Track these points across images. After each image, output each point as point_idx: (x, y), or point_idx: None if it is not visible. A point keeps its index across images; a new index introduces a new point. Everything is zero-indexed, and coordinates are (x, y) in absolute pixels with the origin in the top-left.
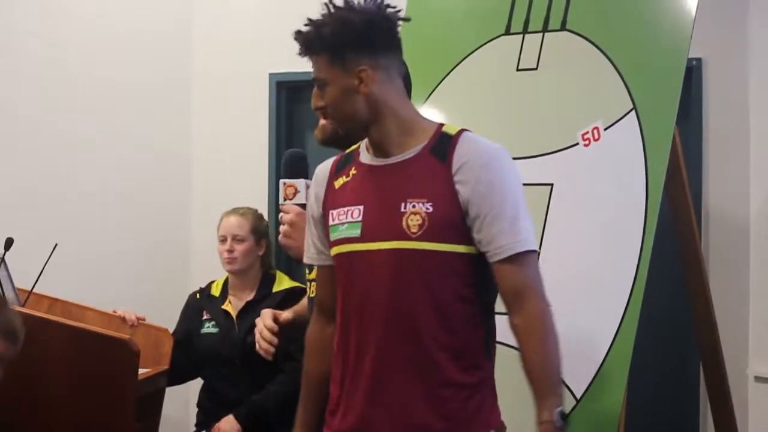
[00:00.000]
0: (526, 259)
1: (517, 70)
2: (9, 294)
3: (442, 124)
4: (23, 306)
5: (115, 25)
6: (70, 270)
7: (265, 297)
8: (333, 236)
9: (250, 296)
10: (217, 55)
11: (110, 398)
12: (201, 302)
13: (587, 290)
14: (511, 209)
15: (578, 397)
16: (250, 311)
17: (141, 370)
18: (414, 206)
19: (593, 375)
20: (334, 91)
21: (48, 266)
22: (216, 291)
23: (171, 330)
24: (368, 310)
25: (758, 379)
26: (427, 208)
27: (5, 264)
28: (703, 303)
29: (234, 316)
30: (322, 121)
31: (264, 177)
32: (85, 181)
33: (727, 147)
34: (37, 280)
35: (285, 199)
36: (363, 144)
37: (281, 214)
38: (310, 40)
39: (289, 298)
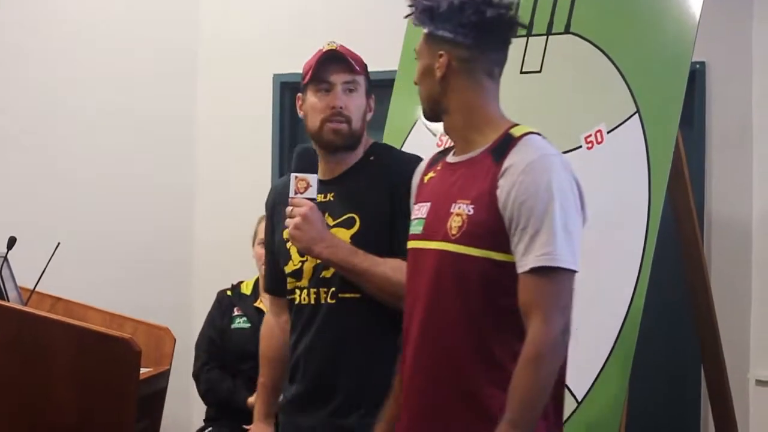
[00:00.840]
0: (544, 276)
1: (521, 72)
2: (12, 293)
3: (514, 125)
4: (26, 305)
5: (120, 24)
6: (73, 269)
7: None
8: (410, 231)
9: None
10: (222, 55)
11: (112, 397)
12: (232, 299)
13: (589, 293)
14: (540, 221)
15: (579, 399)
16: None
17: (142, 370)
18: (459, 207)
19: (594, 378)
20: (419, 66)
21: (50, 265)
22: (247, 290)
23: (173, 329)
24: (414, 308)
25: (759, 382)
26: (469, 211)
27: (8, 263)
28: (705, 306)
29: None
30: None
31: (268, 177)
32: (87, 181)
33: (730, 151)
34: (39, 279)
35: (296, 193)
36: None
37: (290, 207)
38: (418, 8)
39: None
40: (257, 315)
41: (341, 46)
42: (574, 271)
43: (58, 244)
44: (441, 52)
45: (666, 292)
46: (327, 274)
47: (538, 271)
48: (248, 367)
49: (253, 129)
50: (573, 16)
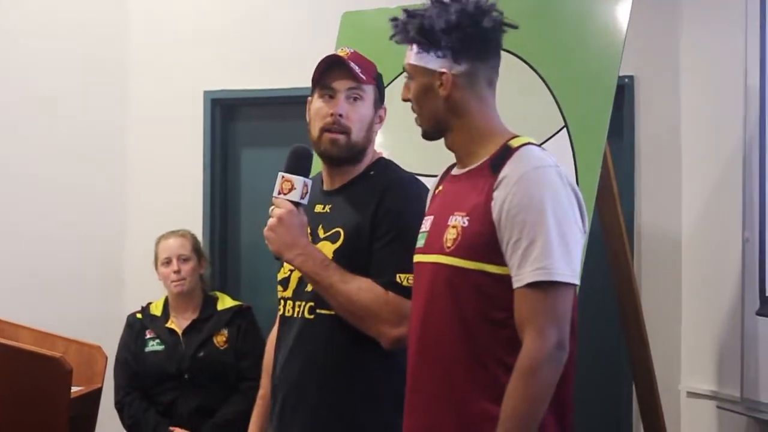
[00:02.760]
0: (541, 290)
1: None
2: None
3: (514, 136)
4: None
5: (47, 38)
6: (3, 288)
7: (210, 316)
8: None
9: (194, 315)
10: (153, 72)
11: (43, 416)
12: (143, 321)
13: None
14: (533, 233)
15: None
16: (195, 329)
17: (74, 388)
18: (455, 219)
19: None
20: (416, 88)
21: None
22: (157, 311)
23: (104, 348)
24: (414, 321)
25: (690, 394)
26: (464, 223)
27: None
28: (634, 319)
29: (180, 334)
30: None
31: (199, 195)
32: (17, 196)
33: (660, 163)
34: None
35: (279, 193)
36: None
37: (271, 207)
38: (403, 27)
39: (238, 315)
40: (170, 336)
41: (353, 52)
42: (572, 284)
43: None
44: (443, 70)
45: (595, 306)
46: (309, 287)
47: (533, 286)
48: (164, 387)
49: (184, 145)
50: None
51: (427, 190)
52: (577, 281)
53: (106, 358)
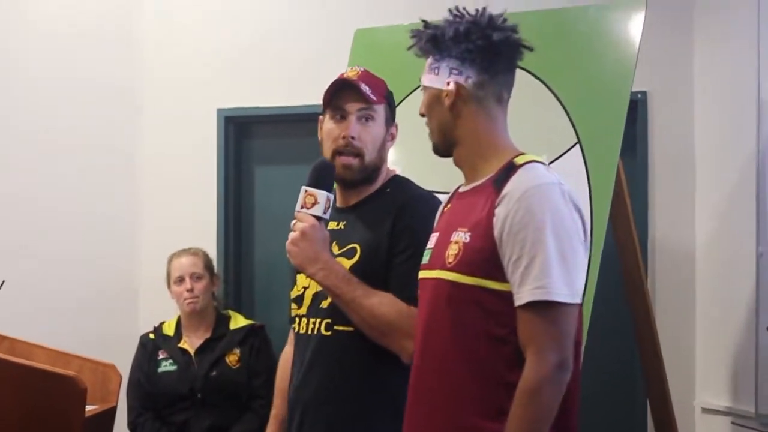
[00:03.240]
0: (540, 310)
1: None
2: None
3: (519, 153)
4: None
5: (60, 61)
6: (17, 307)
7: (223, 335)
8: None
9: (206, 335)
10: (166, 90)
11: None
12: (156, 342)
13: None
14: (533, 251)
15: None
16: (208, 349)
17: (88, 407)
18: (458, 236)
19: None
20: (427, 99)
21: None
22: (169, 331)
23: (118, 366)
24: (417, 336)
25: (705, 410)
26: (466, 239)
27: None
28: (649, 335)
29: (192, 354)
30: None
31: (213, 213)
32: (32, 218)
33: (673, 179)
34: None
35: (302, 207)
36: None
37: (294, 221)
38: (423, 39)
39: (250, 334)
40: (182, 356)
41: (363, 71)
42: (573, 304)
43: (3, 281)
44: (449, 80)
45: (610, 321)
46: (325, 304)
47: (532, 306)
48: (176, 407)
49: (197, 163)
50: None
51: (439, 204)
52: (578, 300)
53: (121, 377)
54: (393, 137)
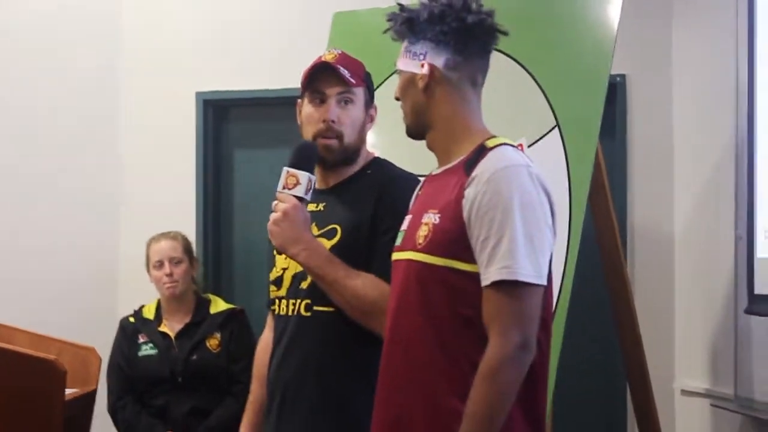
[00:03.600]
0: (504, 290)
1: None
2: None
3: (491, 136)
4: None
5: (40, 41)
6: None
7: (203, 319)
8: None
9: (186, 318)
10: (145, 73)
11: (37, 419)
12: (136, 325)
13: None
14: (501, 232)
15: None
16: (188, 333)
17: (68, 391)
18: (428, 217)
19: None
20: (400, 80)
21: None
22: (149, 314)
23: (98, 349)
24: (388, 317)
25: (684, 392)
26: (435, 220)
27: None
28: (628, 318)
29: (173, 337)
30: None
31: (192, 196)
32: (11, 200)
33: (652, 162)
34: None
35: (284, 188)
36: None
37: (275, 201)
38: (398, 21)
39: (230, 319)
40: (163, 340)
41: (341, 53)
42: (538, 285)
43: None
44: (423, 63)
45: (589, 305)
46: (304, 284)
47: (497, 285)
48: (157, 391)
49: (177, 146)
50: None
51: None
52: (543, 282)
53: (101, 359)
54: (372, 119)
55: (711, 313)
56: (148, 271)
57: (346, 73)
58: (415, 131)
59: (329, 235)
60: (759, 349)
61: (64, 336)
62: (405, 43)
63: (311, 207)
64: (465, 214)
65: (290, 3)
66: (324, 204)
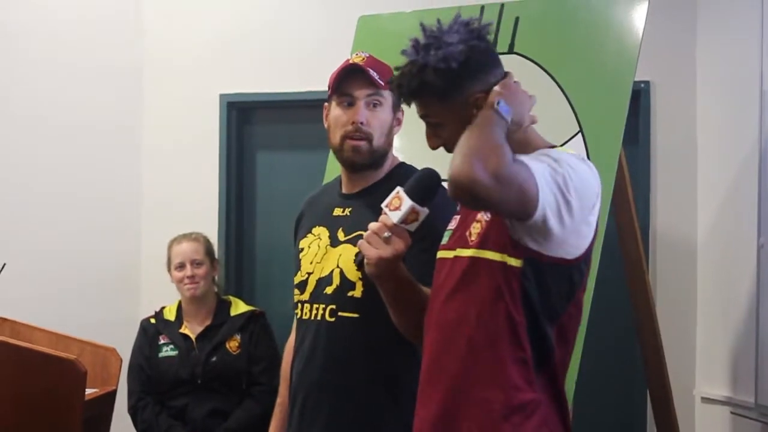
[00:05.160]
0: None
1: None
2: None
3: (552, 147)
4: None
5: (64, 42)
6: (19, 289)
7: (224, 321)
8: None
9: (207, 321)
10: (169, 75)
11: (57, 419)
12: (157, 326)
13: None
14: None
15: None
16: (209, 335)
17: (88, 391)
18: (481, 214)
19: None
20: (452, 128)
21: None
22: (170, 315)
23: (119, 350)
24: (431, 317)
25: (705, 399)
26: (487, 216)
27: None
28: (650, 324)
29: (193, 339)
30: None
31: (215, 198)
32: (35, 201)
33: (675, 169)
34: None
35: (403, 223)
36: None
37: (388, 232)
38: (414, 89)
39: (251, 321)
40: (184, 341)
41: (369, 57)
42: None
43: (4, 264)
44: (477, 96)
45: (610, 310)
46: (329, 290)
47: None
48: (177, 392)
49: (200, 149)
50: (516, 36)
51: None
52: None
53: (121, 360)
54: (399, 122)
55: (732, 320)
56: (170, 272)
57: (375, 75)
58: None
59: (356, 241)
60: None
61: (86, 336)
62: (437, 98)
63: (338, 212)
64: None
65: (314, 6)
66: (350, 209)
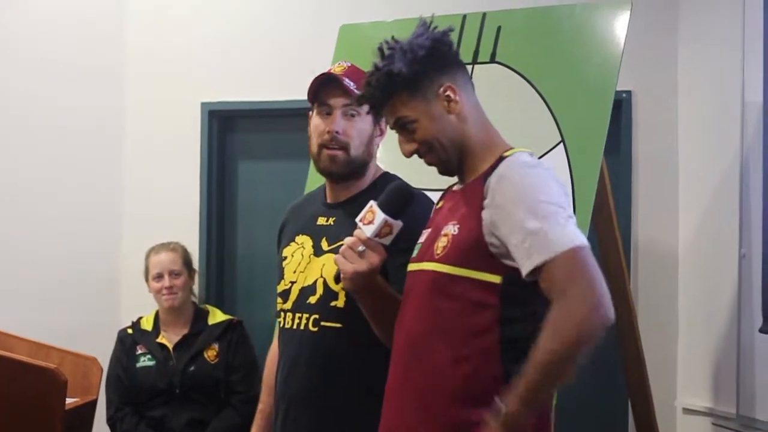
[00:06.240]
0: (553, 262)
1: None
2: None
3: (510, 148)
4: None
5: (45, 44)
6: None
7: (201, 330)
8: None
9: (184, 330)
10: (150, 84)
11: (37, 428)
12: (134, 336)
13: None
14: (525, 213)
15: None
16: (186, 344)
17: (69, 400)
18: (448, 228)
19: None
20: (424, 124)
21: None
22: (147, 325)
23: (99, 359)
24: (399, 330)
25: (686, 410)
26: (454, 231)
27: None
28: (631, 335)
29: (170, 349)
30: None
31: (196, 207)
32: (12, 210)
33: (657, 179)
34: None
35: (377, 236)
36: None
37: (362, 246)
38: (384, 85)
39: (228, 329)
40: (161, 351)
41: (350, 66)
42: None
43: None
44: (445, 86)
45: None
46: (313, 299)
47: (547, 262)
48: (154, 402)
49: (181, 157)
50: (498, 45)
51: (432, 204)
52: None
53: (102, 369)
54: (382, 132)
55: (714, 331)
56: (147, 282)
57: (351, 84)
58: (456, 164)
59: (338, 251)
60: (761, 368)
61: (66, 345)
62: (405, 92)
63: (321, 221)
64: (486, 220)
65: (296, 15)
66: (334, 218)
